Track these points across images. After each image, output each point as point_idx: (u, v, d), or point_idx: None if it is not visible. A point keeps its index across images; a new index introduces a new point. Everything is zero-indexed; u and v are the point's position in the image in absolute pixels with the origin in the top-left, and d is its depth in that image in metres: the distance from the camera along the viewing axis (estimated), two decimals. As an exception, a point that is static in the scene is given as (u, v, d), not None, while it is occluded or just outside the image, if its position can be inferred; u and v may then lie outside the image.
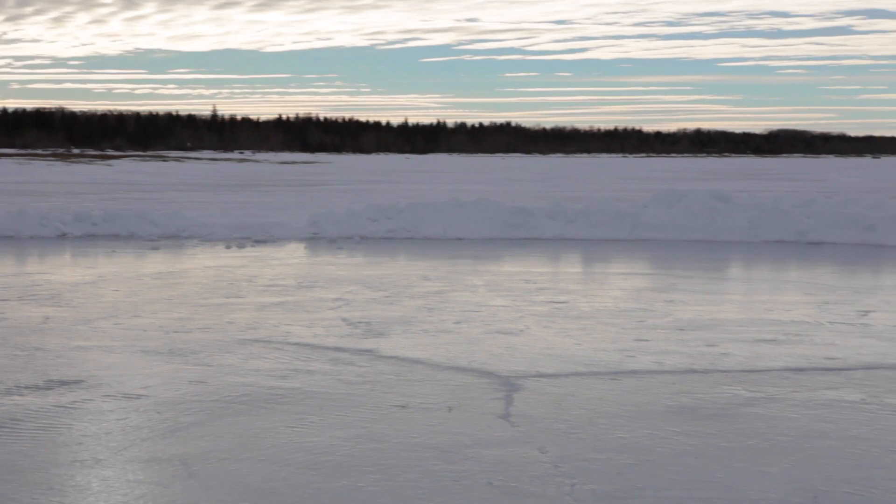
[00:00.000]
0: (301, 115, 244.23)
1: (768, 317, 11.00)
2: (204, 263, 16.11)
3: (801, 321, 10.70)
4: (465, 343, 9.42)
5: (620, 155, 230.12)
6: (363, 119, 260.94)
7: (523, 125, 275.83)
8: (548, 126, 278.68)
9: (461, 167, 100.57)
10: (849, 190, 43.31)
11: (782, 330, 10.15)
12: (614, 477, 5.53)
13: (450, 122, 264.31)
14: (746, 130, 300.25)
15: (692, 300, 12.25)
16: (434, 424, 6.58)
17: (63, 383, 7.70)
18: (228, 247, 18.79)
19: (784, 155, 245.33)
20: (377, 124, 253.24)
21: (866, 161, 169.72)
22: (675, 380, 7.91)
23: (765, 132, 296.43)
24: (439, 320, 10.71)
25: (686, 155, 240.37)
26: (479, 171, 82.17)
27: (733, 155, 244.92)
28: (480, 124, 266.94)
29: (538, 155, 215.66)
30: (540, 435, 6.35)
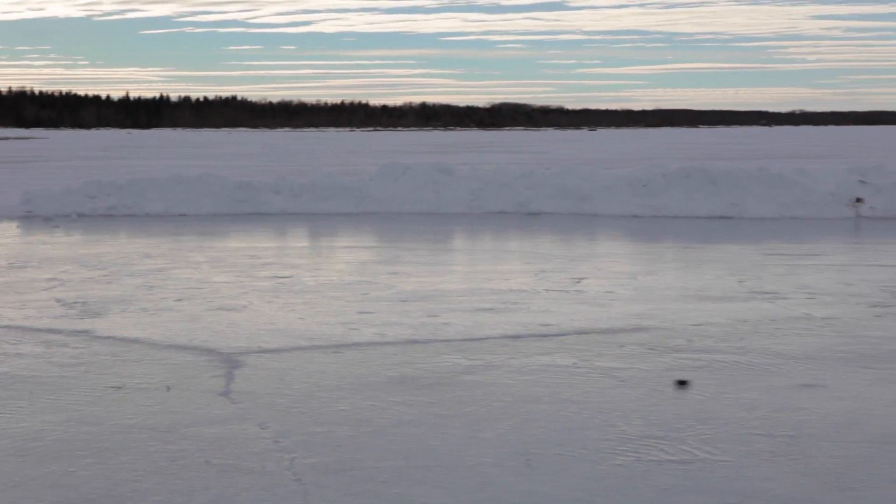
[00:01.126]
0: (14, 89, 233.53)
1: (488, 286, 11.27)
2: None
3: (519, 290, 11.01)
4: (186, 321, 9.24)
5: (348, 129, 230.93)
6: (82, 93, 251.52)
7: (249, 99, 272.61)
8: (274, 100, 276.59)
9: (186, 142, 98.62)
10: (566, 161, 44.88)
11: (501, 299, 10.42)
12: (334, 449, 5.54)
13: (173, 97, 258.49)
14: (470, 104, 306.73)
15: (416, 272, 12.42)
16: (151, 405, 6.43)
17: None
18: (-66, 228, 17.78)
19: (506, 128, 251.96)
20: (97, 98, 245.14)
21: (583, 133, 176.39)
22: (397, 351, 8.00)
23: (487, 105, 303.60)
24: (160, 298, 10.46)
25: (412, 129, 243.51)
26: (205, 147, 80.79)
27: (458, 128, 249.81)
28: (205, 98, 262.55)
29: (265, 129, 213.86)
30: (261, 411, 6.30)
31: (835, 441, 5.66)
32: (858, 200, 19.69)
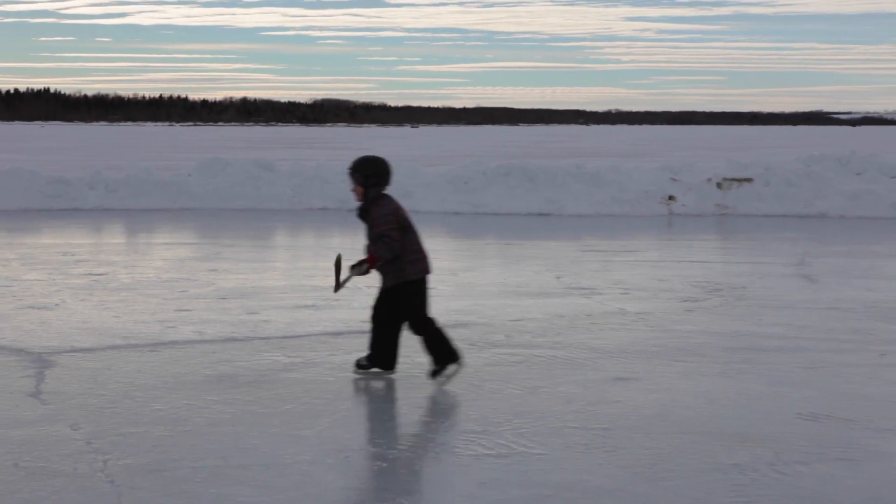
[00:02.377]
0: None
1: (310, 283, 11.20)
2: None
3: (340, 286, 10.96)
4: (-5, 321, 8.91)
5: (167, 123, 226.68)
6: None
7: (63, 92, 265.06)
8: (89, 93, 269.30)
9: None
10: (388, 158, 44.95)
11: (322, 295, 10.36)
12: (150, 450, 5.43)
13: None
14: (292, 100, 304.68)
15: (236, 269, 12.27)
16: (-44, 408, 6.18)
17: None
18: None
19: (329, 124, 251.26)
20: None
21: (405, 130, 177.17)
22: (216, 349, 7.88)
23: (309, 101, 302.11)
24: (-34, 297, 10.07)
25: (233, 124, 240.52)
26: (16, 140, 78.17)
27: (280, 124, 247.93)
28: (16, 90, 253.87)
29: (80, 123, 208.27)
30: (73, 412, 6.13)
31: (646, 432, 5.81)
32: (671, 198, 20.29)
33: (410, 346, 7.91)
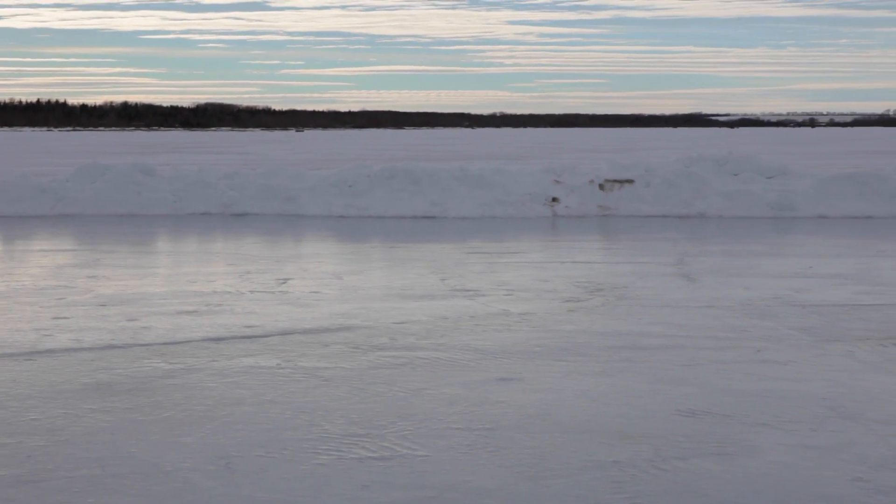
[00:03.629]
0: None
1: (191, 289, 11.07)
2: None
3: (224, 291, 10.87)
4: None
5: (45, 129, 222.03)
6: None
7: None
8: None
9: None
10: (272, 162, 44.66)
11: (204, 301, 10.26)
12: (24, 460, 5.31)
13: None
14: (174, 104, 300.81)
15: (115, 275, 12.06)
16: None
17: None
18: None
19: (212, 129, 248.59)
20: None
21: (290, 134, 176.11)
22: (94, 357, 7.74)
23: (192, 105, 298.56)
24: None
25: (114, 129, 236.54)
26: None
27: (162, 128, 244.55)
28: None
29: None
30: (-56, 424, 5.96)
31: (528, 432, 5.85)
32: (554, 200, 20.50)
33: (295, 351, 7.89)
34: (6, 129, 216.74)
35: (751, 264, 13.35)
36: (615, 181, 21.12)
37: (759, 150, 43.46)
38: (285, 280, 11.73)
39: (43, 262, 13.48)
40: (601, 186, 20.90)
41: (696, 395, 6.70)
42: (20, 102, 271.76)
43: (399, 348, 8.08)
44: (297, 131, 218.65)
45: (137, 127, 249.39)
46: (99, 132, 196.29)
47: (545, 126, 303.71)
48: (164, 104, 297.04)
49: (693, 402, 6.52)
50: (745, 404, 6.47)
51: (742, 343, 8.35)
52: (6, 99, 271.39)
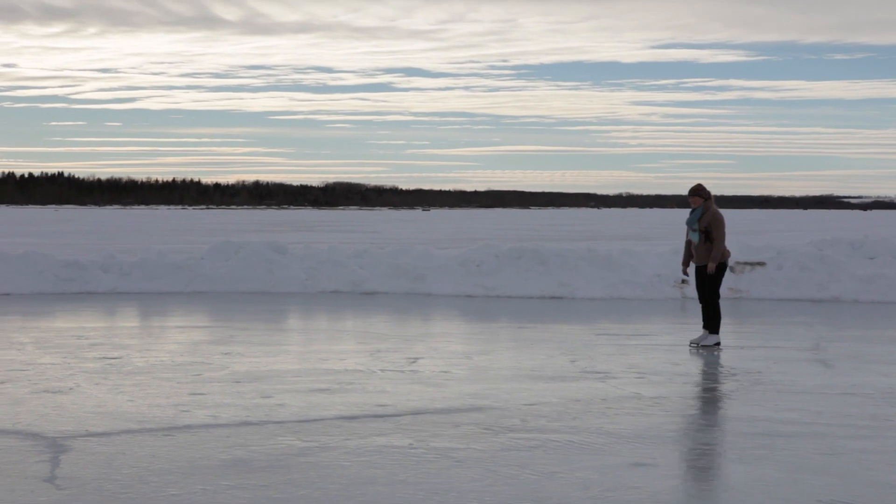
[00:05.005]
0: None
1: (323, 366, 11.19)
2: None
3: (355, 370, 10.97)
4: (10, 404, 8.92)
5: (180, 207, 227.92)
6: None
7: (77, 176, 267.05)
8: (102, 177, 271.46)
9: (9, 219, 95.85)
10: (400, 241, 45.14)
11: (336, 379, 10.36)
12: (165, 536, 5.39)
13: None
14: (303, 183, 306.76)
15: (249, 352, 12.27)
16: (-29, 493, 6.16)
17: None
18: None
19: (340, 207, 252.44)
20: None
21: (417, 213, 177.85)
22: (230, 433, 7.86)
23: (321, 185, 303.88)
24: (-19, 381, 10.07)
25: (246, 207, 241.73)
26: (30, 224, 78.65)
27: (292, 207, 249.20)
28: (31, 174, 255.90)
29: (94, 207, 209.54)
30: (88, 497, 6.10)
31: (665, 519, 5.75)
32: (683, 281, 20.28)
33: (427, 431, 7.91)
34: (143, 207, 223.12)
35: (889, 351, 13.01)
36: (746, 263, 20.84)
37: (894, 234, 42.46)
38: (415, 359, 11.79)
39: (179, 338, 13.77)
40: (732, 269, 20.63)
41: (838, 485, 6.52)
42: (156, 181, 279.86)
43: (531, 430, 8.04)
44: (423, 210, 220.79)
45: (268, 205, 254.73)
46: (231, 210, 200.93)
47: (671, 206, 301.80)
48: (294, 183, 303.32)
49: (835, 492, 6.34)
50: (890, 496, 6.27)
51: (884, 432, 8.12)
52: (143, 178, 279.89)
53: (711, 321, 13.02)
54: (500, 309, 18.06)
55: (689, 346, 13.05)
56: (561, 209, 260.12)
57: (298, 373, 10.75)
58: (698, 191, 13.28)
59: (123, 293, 20.22)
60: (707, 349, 12.76)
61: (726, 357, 12.17)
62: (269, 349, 12.59)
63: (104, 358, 11.67)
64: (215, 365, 11.23)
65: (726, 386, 10.17)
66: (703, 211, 13.17)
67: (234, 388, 9.77)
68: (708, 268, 13.00)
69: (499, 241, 29.42)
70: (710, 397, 9.55)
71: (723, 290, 20.13)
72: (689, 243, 13.37)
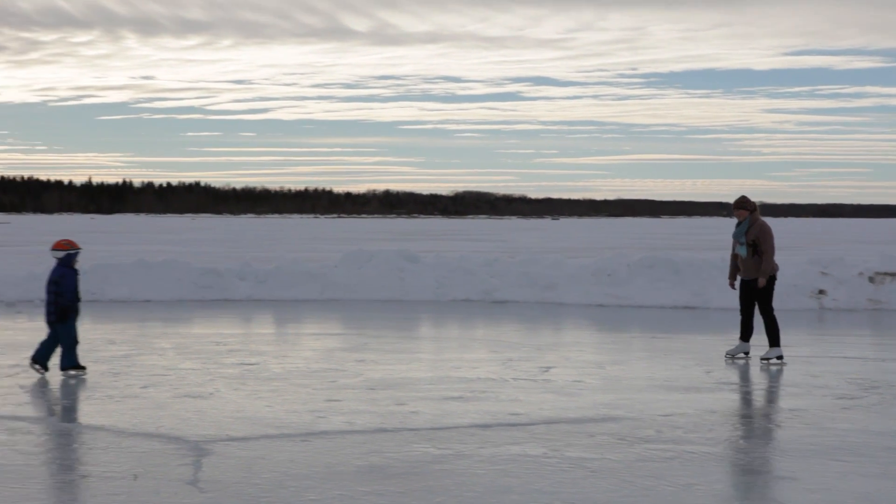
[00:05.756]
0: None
1: (456, 374, 11.24)
2: None
3: (487, 378, 10.99)
4: (153, 408, 9.16)
5: (312, 215, 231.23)
6: (43, 178, 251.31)
7: (213, 185, 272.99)
8: (238, 186, 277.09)
9: (149, 228, 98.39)
10: (530, 250, 45.11)
11: (469, 387, 10.39)
12: (305, 540, 5.47)
13: (136, 182, 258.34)
14: (433, 192, 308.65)
15: (383, 359, 12.38)
16: (118, 493, 6.34)
17: None
18: None
19: (470, 216, 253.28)
20: (59, 183, 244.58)
21: (546, 222, 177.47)
22: (366, 439, 7.94)
23: (451, 193, 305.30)
24: (125, 385, 10.37)
25: (376, 216, 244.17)
26: (168, 232, 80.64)
27: (421, 216, 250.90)
28: (168, 184, 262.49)
29: (229, 215, 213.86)
30: (229, 500, 6.23)
31: (807, 533, 5.64)
32: (821, 292, 19.86)
33: (561, 441, 7.88)
34: (276, 215, 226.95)
35: None
36: (886, 274, 20.31)
37: None
38: (547, 368, 11.76)
39: (314, 345, 13.97)
40: (871, 279, 20.14)
41: None
42: (289, 190, 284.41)
43: (666, 441, 7.96)
44: (552, 219, 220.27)
45: (398, 214, 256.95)
46: (362, 219, 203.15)
47: (807, 216, 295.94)
48: (424, 192, 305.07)
49: (985, 509, 6.14)
50: None
51: None
52: (276, 187, 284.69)
53: (771, 335, 12.56)
54: (631, 318, 17.92)
55: (725, 357, 12.74)
56: (692, 218, 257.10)
57: (432, 380, 10.82)
58: (743, 203, 12.87)
59: (259, 300, 20.59)
60: (769, 362, 12.41)
61: (867, 369, 11.88)
62: (402, 357, 12.69)
63: (242, 364, 11.90)
64: (350, 372, 11.37)
65: (868, 399, 9.92)
66: (750, 223, 12.75)
67: (368, 395, 9.87)
68: (759, 282, 12.57)
69: (630, 250, 29.19)
70: (851, 410, 9.33)
71: (862, 302, 19.66)
72: (735, 256, 12.95)
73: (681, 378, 11.12)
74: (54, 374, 10.98)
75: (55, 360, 11.12)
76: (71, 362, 11.04)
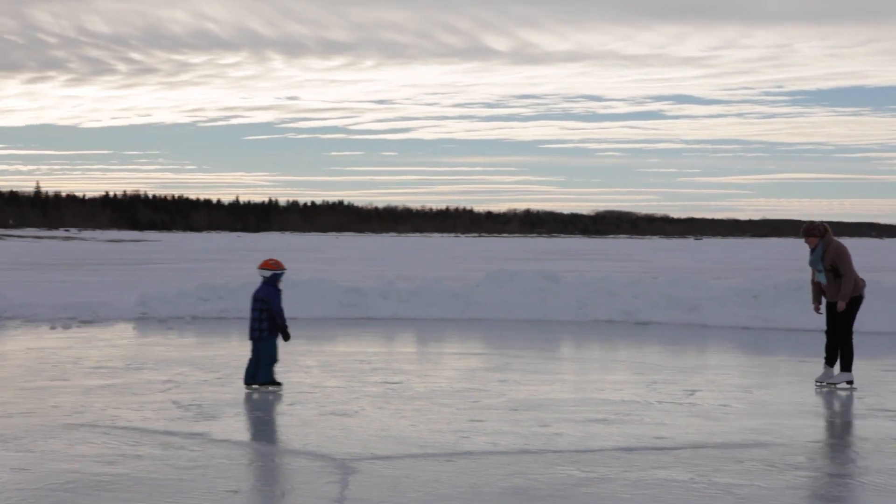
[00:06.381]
0: (129, 193, 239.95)
1: (599, 396, 11.17)
2: (27, 345, 15.60)
3: (631, 401, 10.89)
4: (300, 425, 9.30)
5: (453, 234, 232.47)
6: (193, 196, 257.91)
7: (355, 204, 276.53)
8: (380, 205, 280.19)
9: (294, 246, 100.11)
10: (673, 271, 44.59)
11: (613, 409, 10.31)
12: (451, 561, 5.49)
13: (282, 201, 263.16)
14: (574, 211, 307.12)
15: (525, 380, 12.37)
16: (268, 510, 6.45)
17: None
18: (53, 327, 18.23)
19: (611, 236, 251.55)
20: (208, 202, 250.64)
21: (689, 242, 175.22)
22: (510, 460, 7.94)
23: (592, 213, 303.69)
24: (273, 402, 10.55)
25: (516, 235, 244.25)
26: (313, 251, 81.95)
27: (562, 235, 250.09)
28: (313, 203, 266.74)
29: (371, 234, 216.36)
30: (376, 519, 6.28)
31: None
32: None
33: (708, 466, 7.77)
34: (417, 234, 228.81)
35: None
36: None
37: None
38: (693, 391, 11.60)
39: (457, 364, 14.03)
40: None
41: None
42: (430, 209, 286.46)
43: (818, 469, 7.77)
44: (695, 239, 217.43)
45: (539, 233, 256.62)
46: (502, 238, 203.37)
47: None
48: (565, 211, 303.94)
49: None
50: None
51: None
52: (418, 206, 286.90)
53: (844, 359, 12.05)
54: (778, 342, 17.57)
55: (815, 384, 12.22)
56: (840, 239, 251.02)
57: (574, 402, 10.76)
58: (811, 230, 12.38)
59: (401, 319, 20.77)
60: (835, 387, 11.97)
61: None
62: (544, 377, 12.66)
63: (385, 382, 12.01)
64: (492, 392, 11.38)
65: None
66: (824, 248, 12.28)
67: (511, 416, 9.87)
68: (838, 306, 12.05)
69: (775, 271, 28.63)
70: None
71: None
72: (816, 283, 12.41)
73: (831, 403, 10.86)
74: (201, 391, 11.24)
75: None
76: (268, 378, 11.35)
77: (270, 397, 10.89)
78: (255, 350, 11.45)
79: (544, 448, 8.43)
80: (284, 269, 11.78)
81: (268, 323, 11.49)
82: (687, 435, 9.05)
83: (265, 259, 11.93)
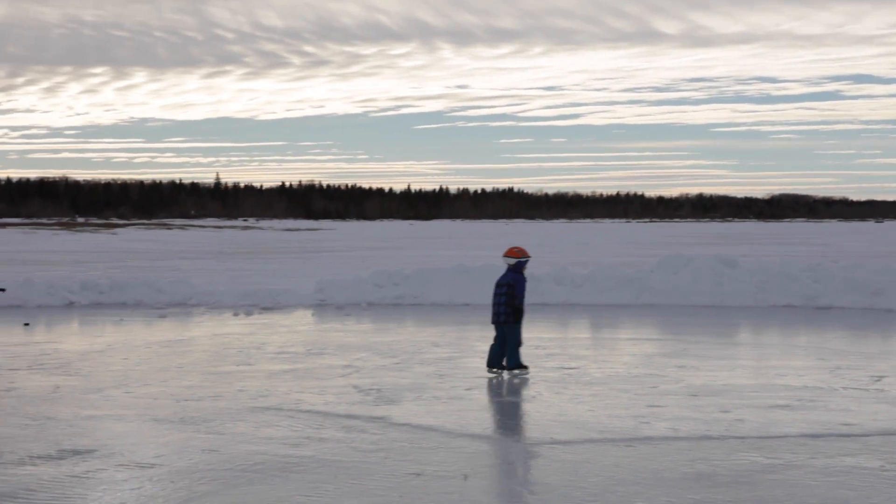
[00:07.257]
0: (304, 183, 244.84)
1: (781, 382, 10.94)
2: (212, 331, 16.09)
3: (815, 387, 10.64)
4: (478, 410, 9.38)
5: (624, 220, 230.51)
6: (365, 186, 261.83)
7: (525, 191, 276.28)
8: (549, 192, 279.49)
9: (465, 233, 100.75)
10: (854, 254, 43.33)
11: (796, 395, 10.09)
12: (635, 546, 5.46)
13: (452, 189, 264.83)
14: (748, 195, 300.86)
15: (703, 365, 12.20)
16: (450, 492, 6.52)
17: (76, 453, 7.66)
18: (236, 314, 18.77)
19: (786, 220, 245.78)
20: (380, 191, 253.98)
21: (869, 225, 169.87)
22: (691, 446, 7.85)
23: (767, 196, 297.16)
24: (450, 387, 10.66)
25: (689, 220, 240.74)
26: (484, 237, 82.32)
27: (736, 219, 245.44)
28: (483, 190, 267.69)
29: (541, 220, 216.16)
30: (558, 502, 6.29)
31: None
32: None
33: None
34: (588, 220, 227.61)
35: None
36: None
37: None
38: (879, 377, 11.26)
39: (633, 350, 13.92)
40: None
41: None
42: (600, 195, 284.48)
43: None
44: (876, 222, 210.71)
45: (712, 218, 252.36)
46: (674, 223, 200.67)
47: None
48: (738, 195, 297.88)
49: None
50: None
51: None
52: (588, 192, 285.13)
53: None
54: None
55: None
56: None
57: (755, 388, 10.57)
58: None
59: (575, 304, 20.71)
60: None
61: None
62: (723, 363, 12.46)
63: (562, 368, 12.00)
64: (670, 377, 11.26)
65: None
66: None
67: (691, 402, 9.75)
68: None
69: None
70: None
71: None
72: None
73: None
74: (380, 376, 11.42)
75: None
76: (515, 362, 11.54)
77: (496, 381, 10.99)
78: (499, 334, 11.64)
79: (726, 434, 8.30)
80: (529, 256, 11.94)
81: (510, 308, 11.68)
82: (875, 422, 8.80)
83: (510, 247, 12.09)
